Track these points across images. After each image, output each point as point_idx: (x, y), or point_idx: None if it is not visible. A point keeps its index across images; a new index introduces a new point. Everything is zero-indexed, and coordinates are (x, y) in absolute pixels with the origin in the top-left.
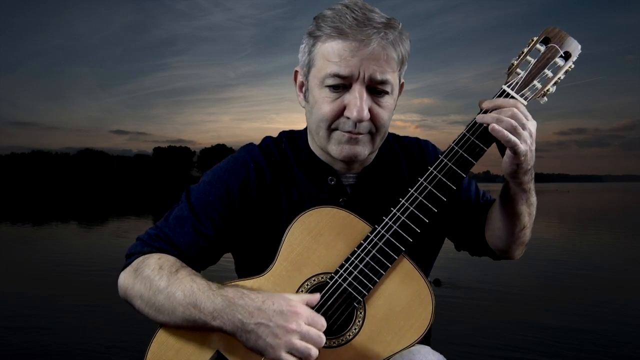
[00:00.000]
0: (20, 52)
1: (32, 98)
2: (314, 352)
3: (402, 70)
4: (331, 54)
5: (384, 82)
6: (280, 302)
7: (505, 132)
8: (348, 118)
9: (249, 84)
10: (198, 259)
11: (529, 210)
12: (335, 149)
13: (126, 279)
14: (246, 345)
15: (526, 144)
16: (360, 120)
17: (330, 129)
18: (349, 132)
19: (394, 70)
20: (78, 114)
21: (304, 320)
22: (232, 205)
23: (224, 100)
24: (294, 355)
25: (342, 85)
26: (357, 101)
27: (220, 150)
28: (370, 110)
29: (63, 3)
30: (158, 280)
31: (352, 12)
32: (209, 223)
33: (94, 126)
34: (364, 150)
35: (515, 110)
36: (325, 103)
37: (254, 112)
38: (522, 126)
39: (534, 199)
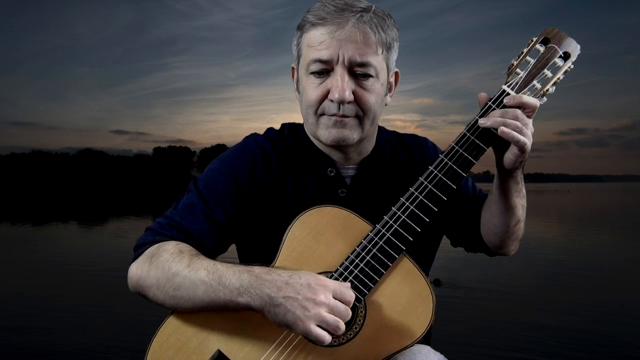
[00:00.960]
0: (20, 52)
1: (32, 98)
2: (342, 325)
3: (390, 55)
4: (312, 41)
5: (364, 65)
6: (307, 277)
7: (515, 133)
8: (332, 101)
9: (249, 84)
10: (211, 247)
11: (522, 202)
12: (323, 133)
13: (139, 268)
14: (274, 321)
15: (530, 141)
16: (342, 102)
17: (317, 114)
18: (334, 115)
19: (376, 53)
20: (78, 114)
21: (332, 294)
22: (241, 192)
23: (224, 100)
24: (323, 328)
25: (325, 70)
26: (338, 82)
27: (220, 150)
28: (354, 93)
29: (63, 3)
30: (179, 262)
31: (332, 0)
32: (220, 210)
33: (94, 126)
34: (352, 134)
35: (519, 111)
36: (310, 89)
37: (254, 112)
38: (526, 125)
39: (524, 190)
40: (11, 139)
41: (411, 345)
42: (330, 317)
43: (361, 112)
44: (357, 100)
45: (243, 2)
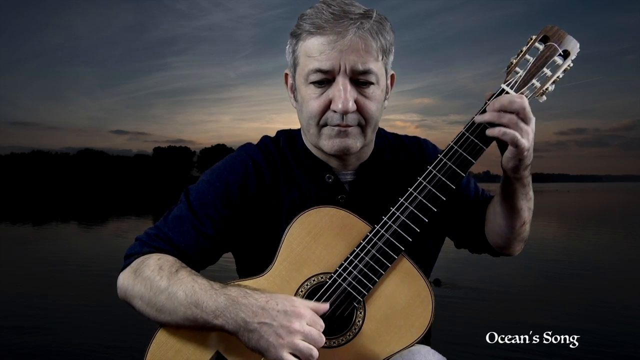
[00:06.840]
0: (20, 52)
1: (32, 98)
2: (315, 352)
3: (388, 60)
4: (311, 50)
5: (366, 72)
6: (284, 303)
7: (502, 128)
8: (335, 112)
9: (249, 84)
10: (197, 259)
11: (528, 205)
12: (326, 144)
13: (126, 280)
14: (248, 345)
15: (528, 139)
16: (345, 112)
17: (320, 125)
18: (337, 125)
19: (376, 60)
20: (78, 114)
21: (306, 321)
22: (231, 205)
23: (224, 100)
24: (296, 356)
25: (325, 80)
26: (341, 93)
27: (220, 150)
28: (356, 102)
29: (63, 3)
30: (159, 281)
31: (329, 7)
32: (208, 222)
33: (94, 126)
34: (355, 142)
35: (524, 104)
36: (311, 100)
37: (254, 112)
38: (525, 120)
39: (532, 192)
40: (11, 139)
41: (411, 345)
42: (303, 345)
43: (363, 121)
44: (359, 109)
45: (243, 2)
